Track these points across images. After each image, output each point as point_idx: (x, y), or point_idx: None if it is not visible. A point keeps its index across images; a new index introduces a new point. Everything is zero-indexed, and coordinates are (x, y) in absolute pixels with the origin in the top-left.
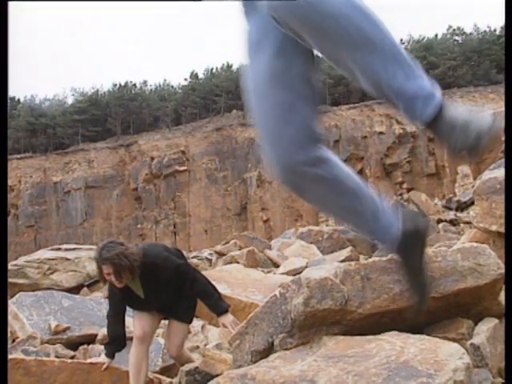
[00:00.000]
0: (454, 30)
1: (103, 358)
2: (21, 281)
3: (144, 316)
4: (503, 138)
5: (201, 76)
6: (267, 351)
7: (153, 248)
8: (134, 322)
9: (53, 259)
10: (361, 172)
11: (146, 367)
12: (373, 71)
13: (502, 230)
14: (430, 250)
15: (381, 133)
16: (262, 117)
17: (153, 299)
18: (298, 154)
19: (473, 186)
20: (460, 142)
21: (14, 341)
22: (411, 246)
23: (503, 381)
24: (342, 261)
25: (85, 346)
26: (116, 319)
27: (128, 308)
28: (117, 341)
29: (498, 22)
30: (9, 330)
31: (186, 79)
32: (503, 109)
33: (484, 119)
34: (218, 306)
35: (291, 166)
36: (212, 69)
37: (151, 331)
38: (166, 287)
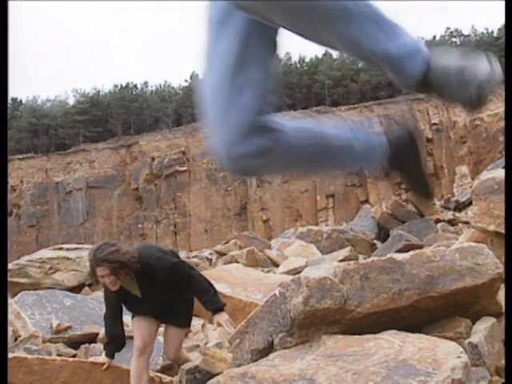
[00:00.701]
0: (451, 31)
1: (103, 358)
2: (23, 280)
3: (143, 324)
4: (501, 139)
5: (201, 77)
6: (267, 350)
7: (146, 249)
8: (133, 331)
9: (54, 259)
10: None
11: (147, 377)
12: (354, 41)
13: (500, 229)
14: (428, 250)
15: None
16: (210, 99)
17: (150, 299)
18: (241, 144)
19: (471, 187)
20: (460, 94)
21: (16, 339)
22: (404, 154)
23: (501, 379)
24: (341, 260)
25: (86, 345)
26: (113, 320)
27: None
28: (116, 341)
29: (495, 23)
30: (11, 328)
31: (186, 80)
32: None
33: (480, 66)
34: (214, 303)
35: (235, 158)
36: None
37: (151, 340)
38: (162, 287)
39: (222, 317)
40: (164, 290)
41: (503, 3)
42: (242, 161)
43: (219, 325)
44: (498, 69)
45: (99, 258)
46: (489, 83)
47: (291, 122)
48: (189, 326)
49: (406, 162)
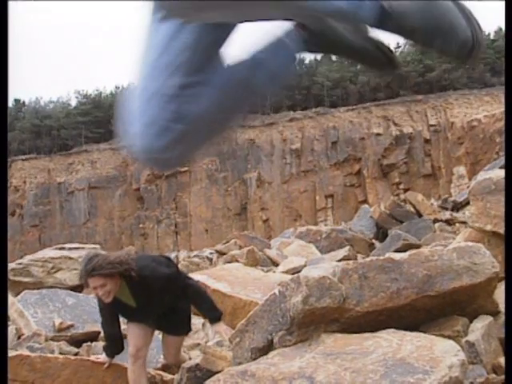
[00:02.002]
0: None
1: (104, 358)
2: (26, 279)
3: (136, 330)
4: (498, 140)
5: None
6: (267, 348)
7: (141, 260)
8: (127, 337)
9: (57, 258)
10: (358, 173)
11: (146, 381)
12: (305, 9)
13: (497, 229)
14: (426, 250)
15: (378, 134)
16: (138, 87)
17: (146, 309)
18: (156, 137)
19: (468, 187)
20: (443, 48)
21: (19, 338)
22: (320, 30)
23: (497, 377)
24: (340, 260)
25: (88, 343)
26: (110, 327)
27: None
28: (115, 343)
29: (492, 26)
30: (14, 327)
31: None
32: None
33: (459, 22)
34: (211, 312)
35: (152, 152)
36: None
37: (144, 346)
38: (158, 298)
39: (221, 327)
40: (160, 301)
41: (502, 5)
42: (160, 154)
43: (217, 333)
44: (478, 26)
45: (89, 268)
46: (478, 43)
47: (204, 93)
48: (189, 330)
49: (328, 34)
